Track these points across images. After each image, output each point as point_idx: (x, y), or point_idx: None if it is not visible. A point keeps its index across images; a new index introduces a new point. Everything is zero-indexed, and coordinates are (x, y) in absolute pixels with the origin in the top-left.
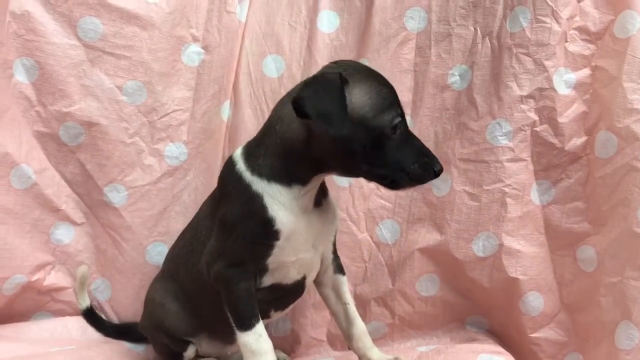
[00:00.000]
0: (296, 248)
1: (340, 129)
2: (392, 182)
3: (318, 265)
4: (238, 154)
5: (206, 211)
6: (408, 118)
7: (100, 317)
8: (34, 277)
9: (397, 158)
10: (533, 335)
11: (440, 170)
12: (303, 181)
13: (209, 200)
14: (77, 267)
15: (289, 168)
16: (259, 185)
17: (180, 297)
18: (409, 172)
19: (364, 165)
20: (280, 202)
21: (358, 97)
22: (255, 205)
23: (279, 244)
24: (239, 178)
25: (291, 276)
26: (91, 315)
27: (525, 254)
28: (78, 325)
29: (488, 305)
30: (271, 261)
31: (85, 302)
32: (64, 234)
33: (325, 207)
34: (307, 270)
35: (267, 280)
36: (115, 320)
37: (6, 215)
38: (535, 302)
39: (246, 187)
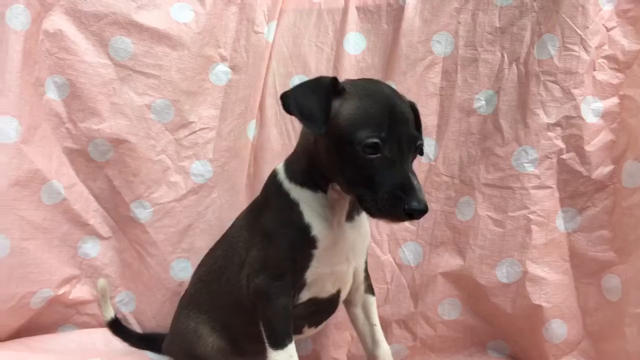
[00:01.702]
0: (332, 259)
1: (316, 127)
2: (365, 205)
3: (351, 280)
4: (281, 164)
5: (242, 223)
6: (432, 142)
7: (125, 327)
8: (61, 291)
9: (370, 182)
10: None
11: (415, 211)
12: (323, 188)
13: (244, 214)
14: (103, 280)
15: (311, 172)
16: (296, 192)
17: (216, 326)
18: (376, 200)
19: (342, 180)
20: (314, 209)
21: (346, 109)
22: (292, 213)
23: (317, 253)
24: (279, 186)
25: (327, 289)
26: (116, 326)
27: (550, 282)
28: (103, 337)
29: (510, 330)
30: (309, 274)
31: (109, 314)
32: (91, 248)
33: (358, 222)
34: (342, 284)
35: (305, 295)
36: (139, 331)
37: (36, 231)
38: (559, 329)
39: (285, 195)
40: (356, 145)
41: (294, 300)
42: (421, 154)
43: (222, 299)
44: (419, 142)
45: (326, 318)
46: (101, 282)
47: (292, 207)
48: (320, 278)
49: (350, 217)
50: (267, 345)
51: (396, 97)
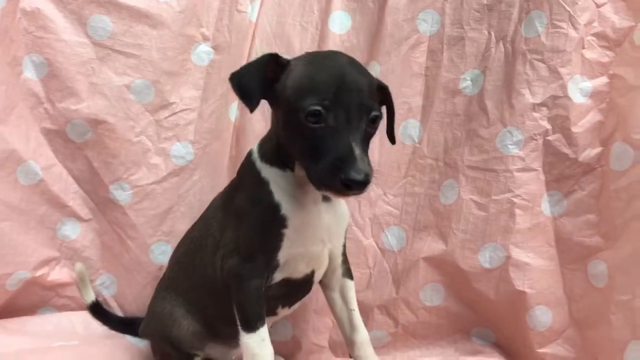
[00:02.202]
0: (305, 239)
1: (250, 104)
2: (309, 177)
3: (327, 262)
4: (256, 144)
5: (217, 204)
6: (416, 124)
7: (106, 311)
8: (38, 273)
9: (313, 152)
10: (540, 350)
11: (352, 181)
12: (290, 166)
13: (220, 195)
14: (80, 264)
15: (279, 150)
16: (266, 171)
17: (191, 309)
18: (316, 170)
19: (293, 152)
20: (283, 188)
21: (291, 79)
22: (263, 192)
23: (287, 233)
24: (252, 166)
25: (300, 270)
26: (97, 309)
27: (534, 267)
28: (82, 320)
29: (494, 317)
30: (282, 255)
31: (90, 297)
32: (71, 230)
33: (335, 203)
34: (316, 265)
35: (278, 276)
36: (120, 314)
37: (11, 212)
38: (543, 316)
39: (256, 174)
40: (300, 112)
41: (267, 282)
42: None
43: (196, 281)
44: (373, 114)
45: (300, 298)
46: (79, 266)
47: (263, 186)
48: (293, 259)
49: (327, 197)
50: (239, 328)
51: (351, 67)
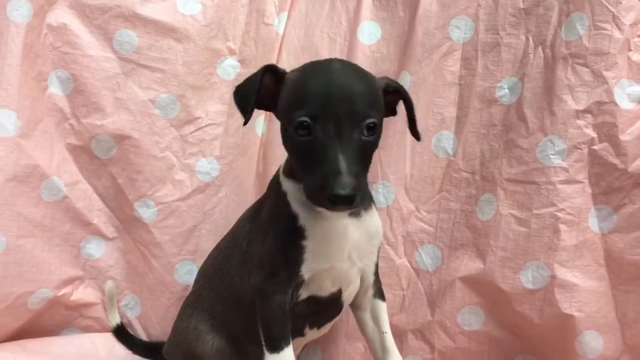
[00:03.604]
0: (328, 254)
1: (243, 114)
2: (304, 191)
3: (356, 281)
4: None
5: (246, 216)
6: (451, 136)
7: (130, 334)
8: (61, 292)
9: (305, 166)
10: None
11: (338, 197)
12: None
13: (250, 208)
14: (111, 282)
15: (292, 162)
16: (286, 183)
17: (216, 325)
18: (306, 184)
19: (294, 167)
20: (299, 200)
21: (285, 91)
22: (282, 203)
23: (308, 245)
24: (276, 179)
25: (326, 287)
26: (122, 333)
27: (582, 288)
28: (106, 342)
29: (539, 344)
30: (305, 269)
31: (115, 320)
32: (95, 249)
33: (366, 219)
34: (343, 284)
35: (303, 293)
36: (144, 337)
37: (34, 228)
38: (594, 342)
39: (278, 186)
40: (289, 125)
41: (292, 299)
42: (372, 134)
43: (222, 293)
44: (368, 121)
45: (328, 319)
46: (109, 284)
47: (282, 197)
48: (318, 275)
49: (355, 213)
50: (264, 348)
51: (344, 74)
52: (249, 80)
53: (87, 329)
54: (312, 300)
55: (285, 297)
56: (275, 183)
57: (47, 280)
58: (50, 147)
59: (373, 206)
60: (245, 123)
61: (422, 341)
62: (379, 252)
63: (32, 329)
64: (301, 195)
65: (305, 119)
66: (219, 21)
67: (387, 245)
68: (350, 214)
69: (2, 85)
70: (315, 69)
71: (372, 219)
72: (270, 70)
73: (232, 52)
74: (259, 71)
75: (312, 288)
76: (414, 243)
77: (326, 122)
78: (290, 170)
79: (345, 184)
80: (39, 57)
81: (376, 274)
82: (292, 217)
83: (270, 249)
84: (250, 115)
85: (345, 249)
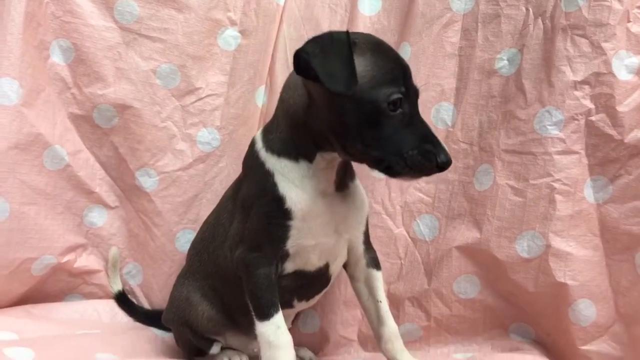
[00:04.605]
0: (314, 231)
1: (344, 86)
2: (388, 167)
3: (343, 254)
4: (259, 132)
5: (229, 194)
6: (450, 107)
7: (132, 302)
8: (64, 259)
9: (394, 140)
10: (583, 347)
11: (446, 163)
12: (309, 158)
13: (232, 184)
14: (115, 248)
15: (294, 140)
16: (271, 161)
17: (208, 294)
18: (406, 158)
19: (359, 144)
20: (290, 180)
21: (360, 66)
22: (267, 184)
23: (294, 224)
24: (256, 157)
25: (313, 262)
26: (123, 300)
27: (576, 257)
28: (108, 309)
29: (534, 312)
30: (290, 245)
31: (117, 286)
32: (98, 217)
33: (352, 192)
34: (330, 258)
35: (289, 267)
36: (146, 305)
37: (37, 196)
38: (587, 311)
39: (261, 165)
40: (381, 103)
41: (277, 270)
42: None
43: (210, 269)
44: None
45: (316, 292)
46: (113, 250)
47: (267, 178)
48: (304, 250)
49: (341, 186)
50: (254, 317)
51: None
52: (329, 45)
53: (90, 296)
54: (299, 274)
55: (271, 269)
56: (255, 161)
57: (51, 247)
58: (52, 116)
59: (357, 179)
60: (347, 93)
61: (419, 309)
62: (367, 223)
63: (36, 295)
64: (295, 175)
65: (400, 95)
66: None
67: (385, 215)
68: (337, 189)
69: (4, 53)
70: (380, 44)
71: (358, 191)
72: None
73: (232, 22)
74: (340, 35)
75: (298, 262)
76: (412, 213)
77: (412, 98)
78: (283, 148)
79: (447, 151)
80: (40, 26)
81: (367, 243)
82: (279, 199)
83: (253, 226)
84: (355, 84)
85: (331, 225)
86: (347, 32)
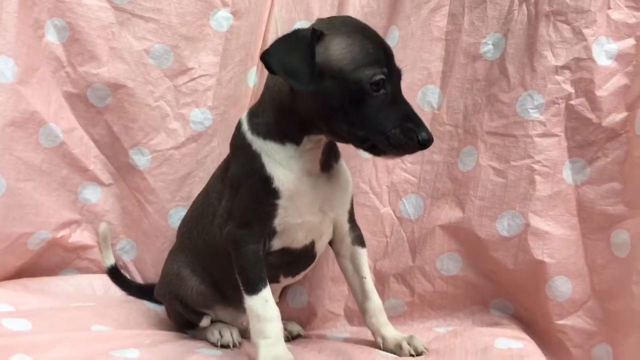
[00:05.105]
0: (301, 210)
1: (303, 84)
2: (372, 146)
3: (329, 232)
4: (244, 115)
5: (217, 173)
6: (436, 90)
7: (124, 276)
8: (59, 234)
9: (377, 119)
10: (560, 322)
11: (428, 141)
12: (296, 140)
13: (220, 165)
14: (105, 224)
15: (281, 125)
16: (257, 143)
17: (197, 269)
18: (389, 136)
19: (344, 125)
20: (277, 161)
21: (337, 49)
22: (255, 164)
23: (281, 203)
24: (242, 138)
25: (299, 240)
26: (115, 274)
27: (554, 236)
28: (102, 283)
29: (513, 288)
30: (277, 223)
31: (110, 261)
32: (92, 194)
33: (336, 171)
34: (316, 235)
35: (276, 244)
36: (139, 279)
37: (33, 172)
38: (563, 287)
39: (248, 147)
40: (364, 84)
41: (265, 247)
42: None
43: (200, 245)
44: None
45: (302, 269)
46: (103, 226)
47: (254, 158)
48: (291, 228)
49: (326, 167)
50: (242, 292)
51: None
52: (291, 44)
53: (84, 270)
54: (286, 251)
55: (259, 246)
56: (242, 142)
57: (46, 223)
58: (47, 94)
59: (341, 159)
60: (306, 90)
61: (403, 285)
62: (352, 202)
63: (32, 269)
64: (281, 157)
65: (382, 76)
66: None
67: (372, 195)
68: (322, 169)
69: (0, 32)
70: (358, 26)
71: (342, 171)
72: (314, 33)
73: (225, 4)
74: (303, 33)
75: (285, 240)
76: (397, 193)
77: (394, 79)
78: (269, 130)
79: (427, 129)
80: (35, 5)
81: (351, 221)
82: (267, 179)
83: (241, 205)
84: (313, 82)
85: (316, 204)
86: (312, 29)
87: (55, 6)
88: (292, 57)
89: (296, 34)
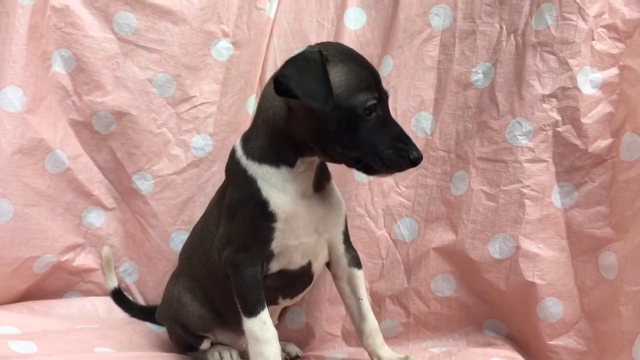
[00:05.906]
0: (297, 231)
1: (325, 104)
2: (366, 166)
3: (324, 253)
4: (238, 141)
5: (214, 201)
6: (429, 116)
7: (127, 298)
8: (64, 258)
9: (370, 141)
10: (551, 342)
11: (418, 159)
12: (290, 163)
13: (217, 192)
14: (108, 247)
15: (275, 148)
16: (252, 168)
17: (198, 294)
18: (382, 157)
19: (339, 147)
20: (272, 184)
21: (335, 76)
22: (251, 189)
23: (278, 226)
24: (237, 164)
25: (296, 261)
26: (118, 296)
27: (544, 258)
28: (105, 305)
29: (506, 309)
30: (275, 245)
31: (113, 283)
32: (96, 218)
33: (328, 193)
34: (312, 256)
35: (274, 266)
36: (141, 301)
37: (40, 198)
38: (554, 308)
39: (243, 172)
40: (357, 109)
41: (263, 270)
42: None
43: (200, 271)
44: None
45: (300, 290)
46: (106, 249)
47: (250, 183)
48: (288, 250)
49: (319, 187)
50: (241, 314)
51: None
52: (304, 66)
53: (88, 293)
54: (284, 273)
55: (257, 268)
56: (237, 167)
57: (51, 247)
58: (54, 122)
59: (332, 180)
60: (326, 110)
61: (399, 306)
62: (346, 223)
63: (37, 292)
64: (277, 180)
65: (375, 101)
66: (213, 5)
67: (368, 218)
68: (315, 190)
69: (9, 63)
70: (350, 53)
71: (333, 191)
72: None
73: (225, 34)
74: (313, 55)
75: (283, 262)
76: (393, 216)
77: (384, 101)
78: (263, 154)
79: (417, 148)
80: (43, 37)
81: (347, 242)
82: (263, 203)
83: (240, 229)
84: (332, 100)
85: (312, 225)
86: (319, 51)
87: (63, 38)
88: (309, 78)
89: (305, 56)
